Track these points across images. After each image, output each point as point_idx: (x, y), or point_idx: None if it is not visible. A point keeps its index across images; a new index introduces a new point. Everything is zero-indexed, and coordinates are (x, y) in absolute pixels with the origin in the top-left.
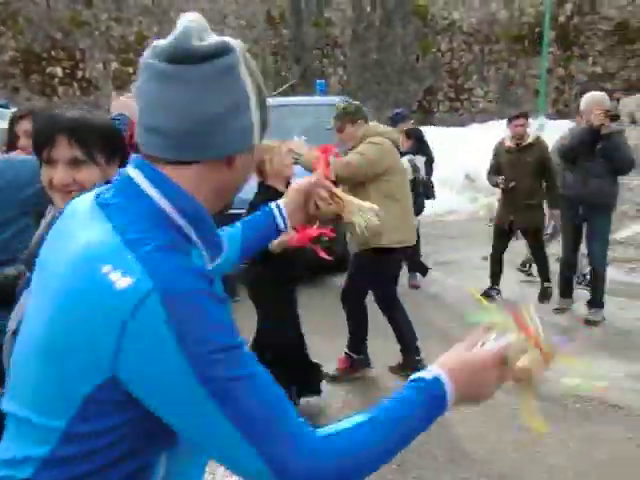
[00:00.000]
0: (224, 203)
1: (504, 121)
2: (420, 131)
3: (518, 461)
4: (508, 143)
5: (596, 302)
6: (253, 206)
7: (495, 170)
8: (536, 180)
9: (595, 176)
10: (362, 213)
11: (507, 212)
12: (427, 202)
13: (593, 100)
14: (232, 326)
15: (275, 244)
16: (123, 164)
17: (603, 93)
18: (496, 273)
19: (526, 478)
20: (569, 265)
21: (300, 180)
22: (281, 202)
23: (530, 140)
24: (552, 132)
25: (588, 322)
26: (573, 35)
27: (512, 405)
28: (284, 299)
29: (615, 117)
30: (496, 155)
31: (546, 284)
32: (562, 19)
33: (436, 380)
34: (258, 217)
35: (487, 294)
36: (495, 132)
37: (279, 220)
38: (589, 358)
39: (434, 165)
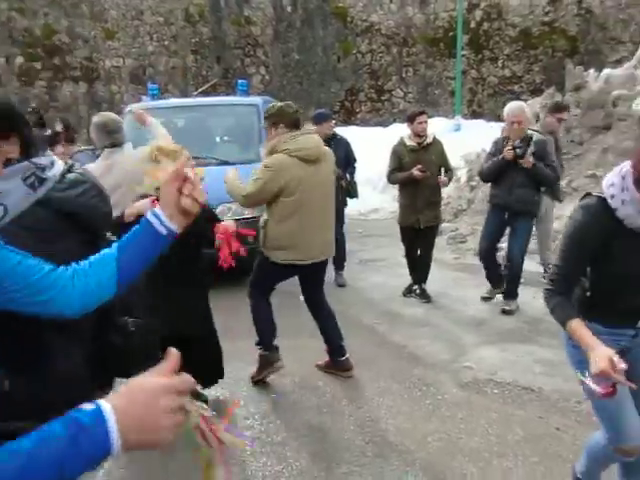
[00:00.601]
0: None
1: None
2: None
3: (442, 449)
4: (410, 142)
5: (511, 294)
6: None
7: (399, 170)
8: (437, 177)
9: (520, 186)
10: None
11: (413, 211)
12: (351, 201)
13: (510, 115)
14: None
15: (127, 213)
16: (26, 144)
17: (520, 105)
18: (415, 271)
19: (449, 464)
20: (488, 261)
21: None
22: (158, 207)
23: (429, 139)
24: (468, 131)
25: (504, 312)
26: (483, 39)
27: (436, 397)
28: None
29: (521, 156)
30: (398, 155)
31: (423, 286)
32: (473, 24)
33: (96, 411)
34: (135, 232)
35: (409, 290)
36: None
37: (160, 228)
38: (504, 345)
39: (356, 165)
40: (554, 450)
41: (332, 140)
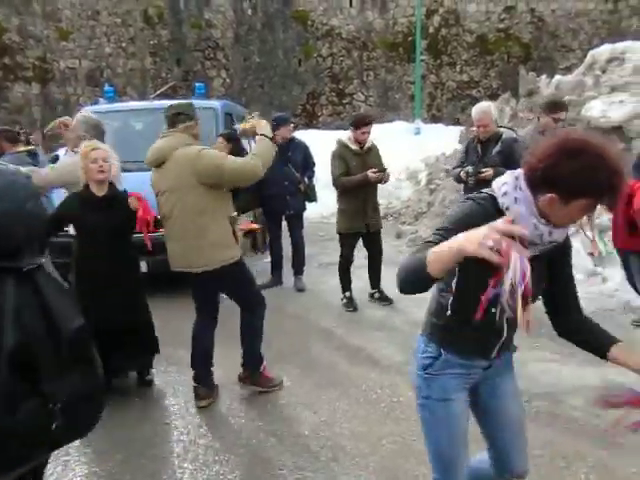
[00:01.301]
0: None
1: (384, 125)
2: (234, 133)
3: (395, 452)
4: (354, 146)
5: None
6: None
7: (345, 174)
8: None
9: (484, 185)
10: None
11: (363, 217)
12: (313, 205)
13: (475, 119)
14: None
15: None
16: None
17: (484, 109)
18: (349, 281)
19: (402, 466)
20: None
21: None
22: None
23: (369, 143)
24: (427, 135)
25: None
26: (442, 45)
27: (391, 399)
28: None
29: (478, 173)
30: (344, 159)
31: (382, 289)
32: (432, 30)
33: None
34: None
35: (350, 301)
36: (375, 135)
37: None
38: None
39: (315, 169)
40: None
41: (290, 144)
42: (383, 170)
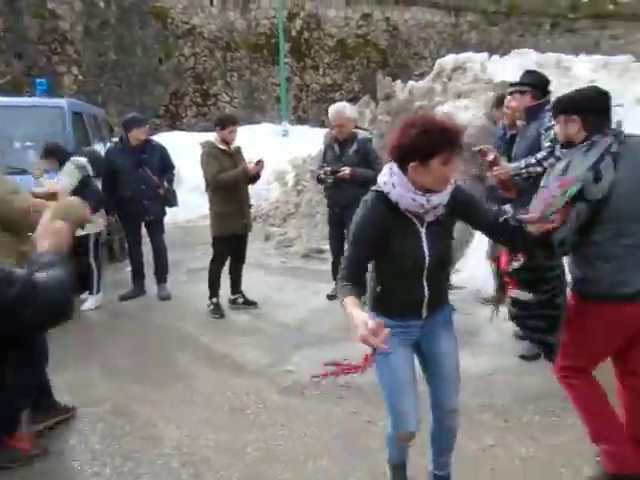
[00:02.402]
0: None
1: (252, 126)
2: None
3: (260, 459)
4: (223, 146)
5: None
6: None
7: (220, 172)
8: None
9: (347, 183)
10: None
11: (242, 217)
12: (178, 209)
13: (332, 120)
14: None
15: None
16: None
17: (339, 110)
18: (219, 286)
19: (265, 473)
20: (338, 257)
21: None
22: None
23: (236, 145)
24: (294, 137)
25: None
26: (305, 48)
27: (257, 405)
28: None
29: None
30: (217, 158)
31: (244, 293)
32: (294, 33)
33: None
34: None
35: (217, 305)
36: (243, 136)
37: None
38: (324, 346)
39: (175, 172)
40: (365, 442)
41: (145, 146)
42: (259, 162)
